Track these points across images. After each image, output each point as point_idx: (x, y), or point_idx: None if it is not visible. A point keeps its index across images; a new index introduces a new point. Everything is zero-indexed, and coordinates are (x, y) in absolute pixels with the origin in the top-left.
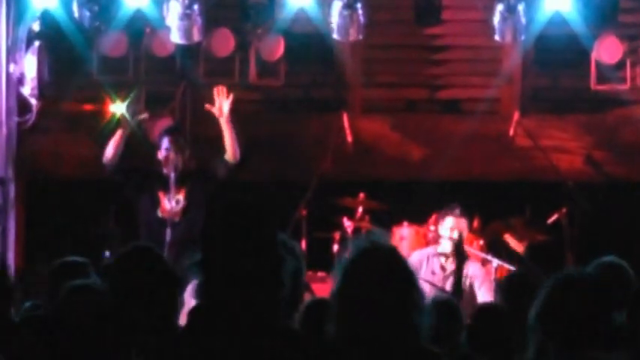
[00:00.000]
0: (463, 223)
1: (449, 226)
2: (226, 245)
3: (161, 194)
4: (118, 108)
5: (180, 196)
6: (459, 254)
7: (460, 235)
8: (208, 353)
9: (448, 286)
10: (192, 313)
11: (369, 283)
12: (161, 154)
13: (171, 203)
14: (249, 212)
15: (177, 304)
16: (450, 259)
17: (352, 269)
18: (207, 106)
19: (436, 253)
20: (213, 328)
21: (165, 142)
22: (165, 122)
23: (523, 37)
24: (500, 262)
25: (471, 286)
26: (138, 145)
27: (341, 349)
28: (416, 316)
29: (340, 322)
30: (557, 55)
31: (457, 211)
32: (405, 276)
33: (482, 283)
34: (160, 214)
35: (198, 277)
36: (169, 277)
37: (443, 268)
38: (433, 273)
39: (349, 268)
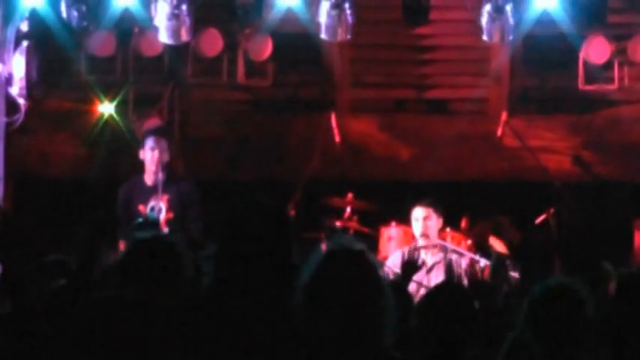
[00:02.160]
0: (432, 212)
1: (417, 216)
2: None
3: (141, 207)
4: (106, 108)
5: (162, 204)
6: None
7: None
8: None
9: (433, 281)
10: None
11: (334, 285)
12: (143, 154)
13: (153, 212)
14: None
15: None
16: (430, 253)
17: (318, 271)
18: None
19: (416, 248)
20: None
21: (149, 142)
22: (154, 122)
23: (511, 37)
24: (487, 262)
25: (459, 276)
26: (126, 146)
27: (306, 347)
28: (381, 319)
29: (304, 322)
30: (545, 55)
31: (426, 201)
32: (372, 279)
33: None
34: None
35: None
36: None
37: (424, 263)
38: None
39: (315, 269)
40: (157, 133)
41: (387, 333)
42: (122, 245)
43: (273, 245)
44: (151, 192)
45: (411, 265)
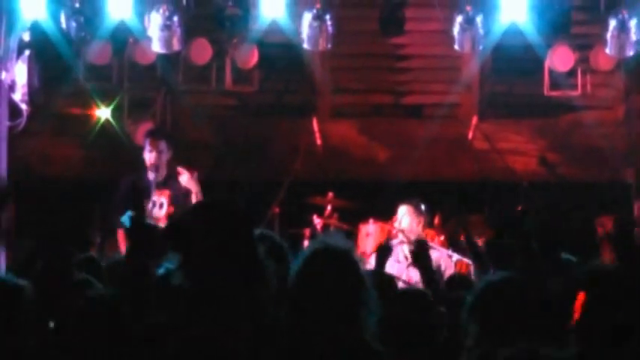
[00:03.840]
0: (412, 211)
1: (400, 215)
2: (206, 243)
3: (145, 202)
4: (102, 112)
5: (164, 199)
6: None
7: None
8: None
9: (412, 275)
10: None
11: (319, 281)
12: (145, 154)
13: (155, 207)
14: (227, 212)
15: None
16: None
17: (304, 268)
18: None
19: (399, 243)
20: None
21: (146, 145)
22: (147, 126)
23: (481, 47)
24: (459, 257)
25: (438, 269)
26: (122, 148)
27: (291, 339)
28: (363, 313)
29: (292, 314)
30: (513, 63)
31: (406, 200)
32: (354, 276)
33: (446, 268)
34: None
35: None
36: None
37: (406, 257)
38: (398, 262)
39: (302, 267)
40: (155, 135)
41: (367, 326)
42: (120, 234)
43: (235, 242)
44: (153, 187)
45: (383, 250)
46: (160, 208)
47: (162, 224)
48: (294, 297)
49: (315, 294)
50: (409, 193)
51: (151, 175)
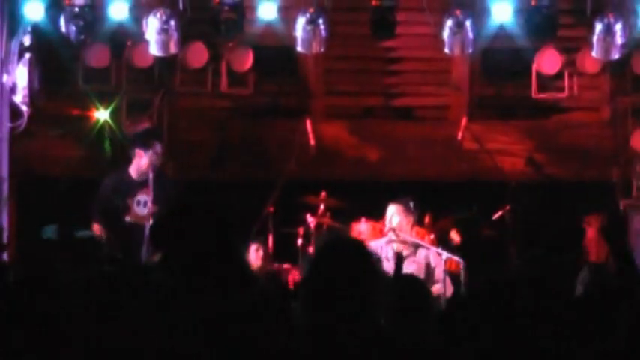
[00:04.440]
0: (402, 210)
1: (387, 213)
2: (186, 242)
3: (130, 201)
4: (101, 114)
5: (147, 198)
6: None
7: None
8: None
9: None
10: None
11: (334, 271)
12: (140, 153)
13: (139, 206)
14: (207, 212)
15: None
16: (401, 246)
17: (319, 260)
18: None
19: (389, 241)
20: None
21: (157, 147)
22: (145, 127)
23: (470, 50)
24: (449, 255)
25: (428, 266)
26: (119, 148)
27: (304, 331)
28: (376, 299)
29: (306, 307)
30: (502, 66)
31: (397, 200)
32: (368, 266)
33: (436, 266)
34: (128, 219)
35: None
36: None
37: (395, 255)
38: (387, 259)
39: (317, 258)
40: (153, 137)
41: (382, 312)
42: (96, 228)
43: (214, 242)
44: (137, 186)
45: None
46: (143, 206)
47: (146, 222)
48: (308, 288)
49: (330, 284)
50: (400, 192)
51: (134, 174)
